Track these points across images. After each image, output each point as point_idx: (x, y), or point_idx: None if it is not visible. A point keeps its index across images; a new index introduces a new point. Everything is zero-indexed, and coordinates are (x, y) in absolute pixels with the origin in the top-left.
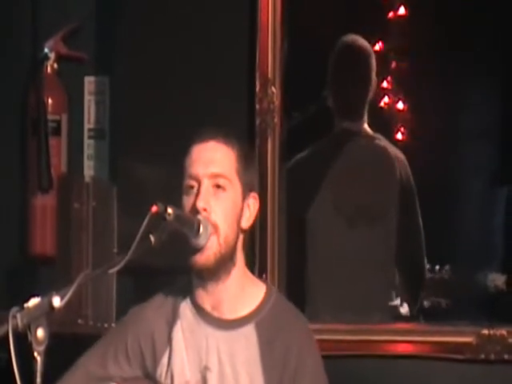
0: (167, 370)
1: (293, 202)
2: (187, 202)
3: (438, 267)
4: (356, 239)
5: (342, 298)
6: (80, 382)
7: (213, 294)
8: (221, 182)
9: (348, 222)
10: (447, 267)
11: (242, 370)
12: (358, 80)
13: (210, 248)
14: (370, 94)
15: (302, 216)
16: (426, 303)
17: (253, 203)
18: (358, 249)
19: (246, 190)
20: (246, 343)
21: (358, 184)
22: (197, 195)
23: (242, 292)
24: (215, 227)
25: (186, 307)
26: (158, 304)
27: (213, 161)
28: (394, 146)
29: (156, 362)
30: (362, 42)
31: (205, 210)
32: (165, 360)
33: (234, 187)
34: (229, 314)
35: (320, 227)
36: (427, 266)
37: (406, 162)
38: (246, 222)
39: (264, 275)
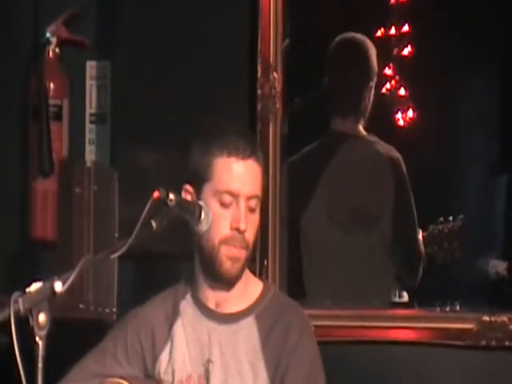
0: (167, 366)
1: (288, 202)
2: (223, 214)
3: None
4: (355, 232)
5: (341, 284)
6: (79, 380)
7: (220, 293)
8: (253, 203)
9: (344, 223)
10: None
11: (244, 359)
12: (357, 81)
13: (240, 261)
14: (370, 97)
15: (298, 207)
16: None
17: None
18: (356, 242)
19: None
20: (246, 334)
21: (352, 189)
22: (238, 215)
23: (244, 290)
24: (248, 245)
25: (186, 305)
26: (158, 302)
27: (251, 181)
28: (388, 145)
29: (155, 358)
30: (367, 42)
31: (245, 230)
32: (164, 356)
33: (259, 205)
34: (230, 309)
35: (317, 223)
36: (440, 219)
37: (402, 161)
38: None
39: (265, 260)
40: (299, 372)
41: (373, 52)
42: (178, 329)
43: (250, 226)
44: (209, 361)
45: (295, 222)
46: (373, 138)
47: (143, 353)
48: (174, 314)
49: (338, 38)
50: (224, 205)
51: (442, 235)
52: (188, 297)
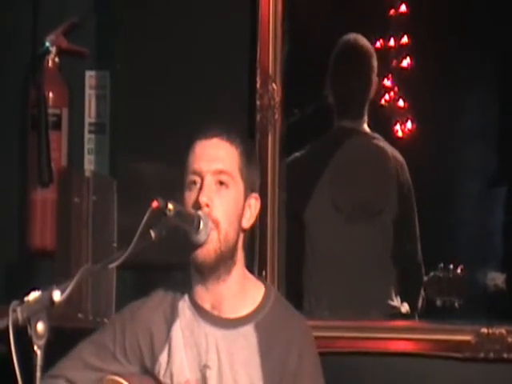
0: (166, 369)
1: (291, 199)
2: (189, 197)
3: (451, 266)
4: (354, 236)
5: (340, 295)
6: (77, 370)
7: (213, 292)
8: (224, 178)
9: (346, 219)
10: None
11: (241, 369)
12: (359, 79)
13: (210, 243)
14: (371, 94)
15: (300, 213)
16: (428, 301)
17: (254, 204)
18: (356, 246)
19: (248, 190)
20: (245, 343)
21: (356, 182)
22: (200, 190)
23: (242, 292)
24: (216, 223)
25: (184, 305)
26: (157, 302)
27: (216, 158)
28: (391, 146)
29: (154, 359)
30: (364, 41)
31: (207, 205)
32: (163, 358)
33: (237, 185)
34: (228, 313)
35: (318, 224)
36: (441, 265)
37: (404, 162)
38: (247, 222)
39: (264, 271)
40: None
41: (372, 52)
42: (176, 331)
43: (218, 202)
44: (205, 366)
45: (298, 218)
46: (376, 135)
47: (142, 354)
48: (172, 315)
49: (341, 40)
50: (190, 186)
51: (442, 283)
52: (186, 298)
